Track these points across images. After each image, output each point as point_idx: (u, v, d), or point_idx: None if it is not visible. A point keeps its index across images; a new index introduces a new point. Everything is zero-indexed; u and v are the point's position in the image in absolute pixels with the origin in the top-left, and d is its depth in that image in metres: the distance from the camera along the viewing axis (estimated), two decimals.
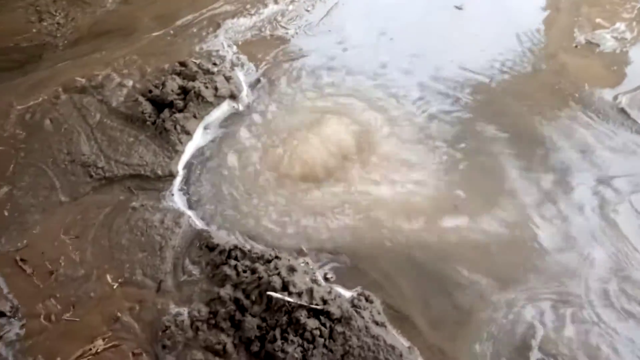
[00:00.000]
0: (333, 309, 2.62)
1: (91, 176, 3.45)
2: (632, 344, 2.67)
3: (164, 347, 2.65)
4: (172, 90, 3.79)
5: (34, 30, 4.69)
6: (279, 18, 4.79)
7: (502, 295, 2.86)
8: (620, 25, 4.51)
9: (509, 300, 2.84)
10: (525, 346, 2.67)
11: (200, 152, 3.65)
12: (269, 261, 2.89)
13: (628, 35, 4.42)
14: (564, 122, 3.76)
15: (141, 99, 3.83)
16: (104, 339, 2.71)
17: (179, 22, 4.75)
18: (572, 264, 2.98)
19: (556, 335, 2.70)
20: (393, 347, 2.56)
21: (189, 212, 3.28)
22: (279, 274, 2.76)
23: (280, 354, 2.53)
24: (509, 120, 3.78)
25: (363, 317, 2.66)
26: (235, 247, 2.99)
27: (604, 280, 2.91)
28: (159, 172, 3.47)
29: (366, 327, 2.62)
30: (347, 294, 2.86)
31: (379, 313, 2.76)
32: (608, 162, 3.49)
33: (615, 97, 3.88)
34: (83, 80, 4.08)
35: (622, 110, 3.78)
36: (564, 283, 2.90)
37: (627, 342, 2.68)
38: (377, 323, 2.69)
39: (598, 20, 4.57)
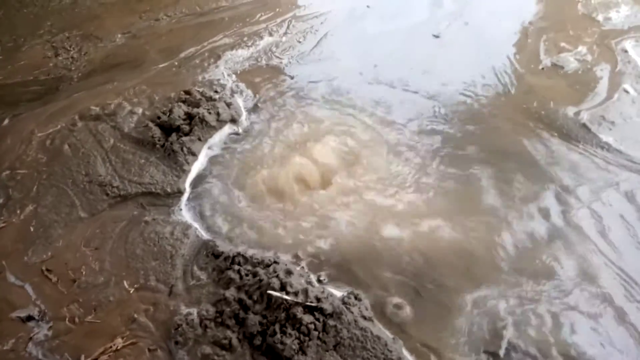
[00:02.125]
0: (326, 306, 2.85)
1: (107, 194, 3.68)
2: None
3: (176, 343, 2.86)
4: (179, 116, 4.01)
5: (51, 65, 4.99)
6: (274, 49, 5.12)
7: (476, 293, 3.11)
8: (582, 49, 4.89)
9: (482, 297, 3.09)
10: (497, 335, 2.93)
11: (205, 171, 3.91)
12: (268, 265, 3.14)
13: (589, 57, 4.79)
14: (532, 137, 4.05)
15: (151, 124, 4.06)
16: (122, 338, 2.91)
17: (182, 55, 5.04)
18: (538, 264, 3.25)
19: (524, 326, 2.96)
20: (379, 338, 2.80)
21: (196, 225, 3.53)
22: (277, 276, 2.99)
23: (279, 346, 2.74)
24: (481, 137, 4.07)
25: (352, 313, 2.90)
26: (238, 254, 3.23)
27: (570, 278, 3.18)
28: (168, 190, 3.69)
29: (355, 321, 2.85)
30: (338, 293, 3.10)
31: (367, 309, 3.00)
32: (571, 172, 3.76)
33: (578, 114, 4.20)
34: (97, 109, 4.33)
35: (584, 126, 4.11)
36: (531, 281, 3.17)
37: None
38: (364, 317, 2.92)
39: (562, 44, 4.95)
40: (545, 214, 3.55)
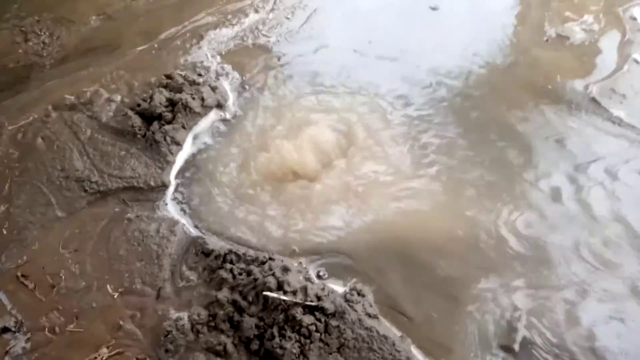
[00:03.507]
0: (327, 305, 2.71)
1: (86, 191, 3.52)
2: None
3: (166, 351, 2.72)
4: (160, 103, 3.86)
5: (20, 51, 4.73)
6: (260, 27, 4.88)
7: (486, 283, 2.97)
8: (588, 18, 4.68)
9: (493, 287, 2.95)
10: (512, 329, 2.79)
11: (190, 161, 3.73)
12: (263, 263, 2.99)
13: (596, 27, 4.59)
14: (539, 113, 3.89)
15: (130, 113, 3.88)
16: (108, 347, 2.77)
17: (162, 36, 4.81)
18: (551, 250, 3.10)
19: (538, 317, 2.83)
20: (386, 337, 2.67)
21: (183, 220, 3.36)
22: (273, 274, 2.85)
23: (279, 351, 2.61)
24: (486, 114, 3.90)
25: (356, 311, 2.76)
26: (230, 251, 3.07)
27: (585, 263, 3.04)
28: (152, 183, 3.54)
29: (359, 320, 2.72)
30: (340, 289, 2.96)
31: (371, 305, 2.86)
32: (582, 149, 3.61)
33: (586, 87, 4.03)
34: (72, 98, 4.13)
35: (594, 100, 3.93)
36: (543, 269, 3.02)
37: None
38: (369, 315, 2.80)
39: (567, 13, 4.74)
40: (555, 194, 3.39)
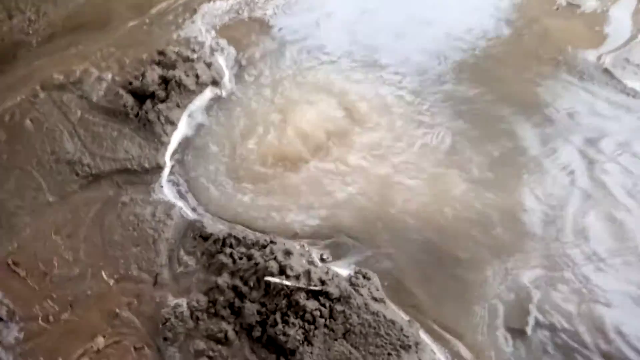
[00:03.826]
0: (331, 289, 2.64)
1: (77, 174, 3.40)
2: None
3: (165, 339, 2.65)
4: (153, 81, 3.74)
5: (5, 29, 4.54)
6: None
7: (496, 264, 2.88)
8: None
9: (504, 269, 2.86)
10: (524, 311, 2.70)
11: (186, 141, 3.61)
12: (264, 246, 2.90)
13: None
14: (550, 85, 3.74)
15: (122, 91, 3.77)
16: (104, 336, 2.71)
17: (154, 10, 4.63)
18: (562, 228, 3.00)
19: (551, 299, 2.73)
20: (393, 322, 2.59)
21: (180, 203, 3.25)
22: (275, 258, 2.77)
23: (282, 337, 2.53)
24: (494, 87, 3.75)
25: (362, 295, 2.68)
26: (230, 234, 2.98)
27: (598, 242, 2.94)
28: (146, 165, 3.43)
29: (365, 305, 2.63)
30: (344, 272, 2.87)
31: (377, 289, 2.78)
32: (595, 123, 3.48)
33: (599, 58, 3.87)
34: (61, 77, 3.98)
35: (606, 71, 3.77)
36: (556, 247, 2.93)
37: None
38: (375, 299, 2.71)
39: None
40: (567, 170, 3.28)
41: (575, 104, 3.62)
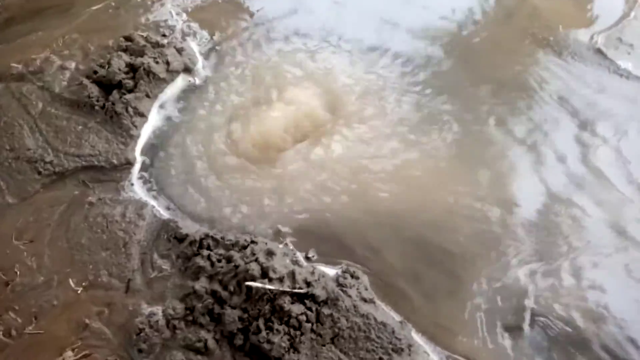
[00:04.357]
0: (318, 291, 2.52)
1: (39, 172, 3.25)
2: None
3: (140, 351, 2.52)
4: (120, 69, 3.62)
5: None
6: None
7: (490, 258, 2.79)
8: None
9: (498, 262, 2.77)
10: (520, 307, 2.61)
11: (157, 134, 3.46)
12: (244, 247, 2.77)
13: None
14: (541, 67, 3.67)
15: (86, 81, 3.64)
16: (73, 350, 2.56)
17: None
18: (557, 218, 2.92)
19: (547, 293, 2.66)
20: (384, 325, 2.49)
21: (152, 202, 3.11)
22: (256, 260, 2.63)
23: (266, 345, 2.41)
24: (484, 70, 3.67)
25: (350, 296, 2.57)
26: (207, 235, 2.85)
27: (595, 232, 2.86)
28: (115, 161, 3.29)
29: (354, 306, 2.53)
30: (331, 271, 2.77)
31: (367, 289, 2.68)
32: (588, 106, 3.41)
33: (591, 38, 3.80)
34: (20, 67, 3.85)
35: (599, 51, 3.70)
36: (550, 239, 2.85)
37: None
38: (365, 300, 2.61)
39: None
40: (561, 156, 3.21)
41: (567, 86, 3.54)
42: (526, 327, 2.55)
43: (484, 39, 3.87)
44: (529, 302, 2.63)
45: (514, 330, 2.56)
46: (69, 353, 2.54)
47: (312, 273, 2.63)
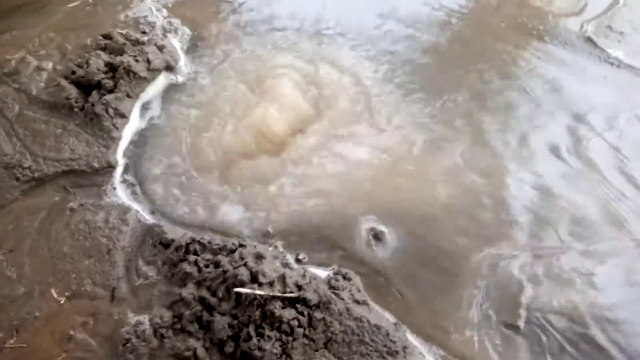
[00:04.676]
0: (309, 295, 2.47)
1: (18, 179, 3.16)
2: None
3: None
4: (98, 69, 3.56)
5: None
6: None
7: (484, 254, 2.76)
8: None
9: (492, 258, 2.74)
10: (515, 304, 2.58)
11: (140, 135, 3.39)
12: (232, 251, 2.71)
13: None
14: (531, 57, 3.63)
15: (64, 82, 3.58)
16: None
17: None
18: (551, 211, 2.88)
19: (543, 289, 2.63)
20: (378, 327, 2.44)
21: (136, 206, 3.03)
22: (245, 264, 2.58)
23: (257, 353, 2.35)
24: (471, 63, 3.62)
25: (342, 299, 2.52)
26: (193, 240, 2.78)
27: (589, 224, 2.84)
28: (96, 165, 3.21)
29: (347, 309, 2.48)
30: (322, 273, 2.71)
31: (359, 290, 2.63)
32: (580, 96, 3.38)
33: (581, 26, 3.76)
34: None
35: (589, 39, 3.66)
36: (545, 233, 2.82)
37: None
38: (358, 302, 2.56)
39: None
40: (553, 147, 3.18)
41: (558, 76, 3.51)
42: (522, 324, 2.51)
43: (472, 28, 3.82)
44: (524, 299, 2.59)
45: (509, 327, 2.51)
46: None
47: (303, 276, 2.58)
